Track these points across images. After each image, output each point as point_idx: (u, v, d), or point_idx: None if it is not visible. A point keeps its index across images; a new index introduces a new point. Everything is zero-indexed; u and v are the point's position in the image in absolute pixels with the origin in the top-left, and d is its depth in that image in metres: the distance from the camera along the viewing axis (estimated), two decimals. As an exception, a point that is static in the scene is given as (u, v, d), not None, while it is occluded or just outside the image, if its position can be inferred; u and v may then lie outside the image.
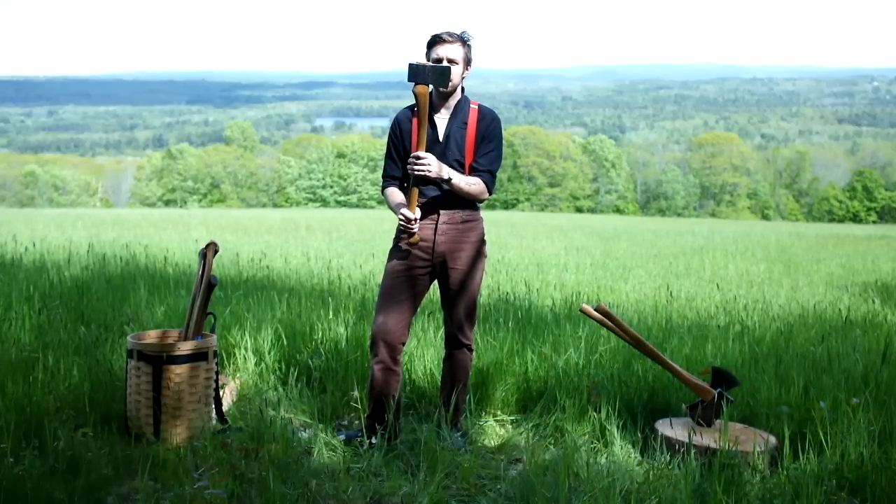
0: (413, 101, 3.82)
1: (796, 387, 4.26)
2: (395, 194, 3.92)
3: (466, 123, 3.85)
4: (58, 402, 3.86)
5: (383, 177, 4.00)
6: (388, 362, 3.83)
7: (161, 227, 24.29)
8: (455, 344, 4.04)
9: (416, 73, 3.66)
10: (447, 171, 3.72)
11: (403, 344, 3.90)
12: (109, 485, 3.26)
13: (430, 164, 3.65)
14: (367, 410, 3.92)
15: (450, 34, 3.78)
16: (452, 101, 3.86)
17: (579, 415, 4.22)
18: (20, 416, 3.57)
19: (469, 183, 3.80)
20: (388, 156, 3.97)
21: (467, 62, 3.83)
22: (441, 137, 3.84)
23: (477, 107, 3.90)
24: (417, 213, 3.75)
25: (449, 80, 3.68)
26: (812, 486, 3.04)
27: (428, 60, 3.80)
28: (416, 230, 3.77)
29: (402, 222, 3.75)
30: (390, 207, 3.92)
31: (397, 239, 3.93)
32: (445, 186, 3.78)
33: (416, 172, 3.66)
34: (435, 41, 3.78)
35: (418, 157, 3.65)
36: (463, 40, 3.80)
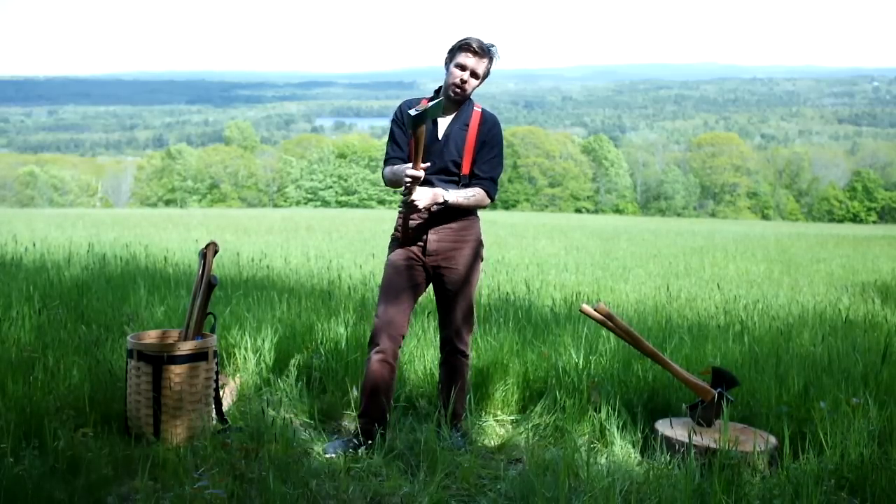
0: (412, 94, 3.81)
1: (796, 387, 4.26)
2: (397, 167, 3.82)
3: (468, 126, 3.84)
4: (58, 402, 3.85)
5: (386, 161, 3.91)
6: (388, 355, 3.79)
7: (161, 227, 24.30)
8: (451, 350, 4.00)
9: (419, 120, 3.51)
10: (441, 195, 3.71)
11: (403, 337, 3.88)
12: (109, 485, 3.26)
13: (422, 201, 3.65)
14: (360, 408, 3.85)
15: (481, 46, 3.71)
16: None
17: (579, 415, 4.22)
18: (20, 416, 3.57)
19: (467, 196, 3.79)
20: (392, 140, 3.90)
21: (485, 76, 3.82)
22: (440, 136, 3.83)
23: (480, 110, 3.90)
24: (422, 172, 3.65)
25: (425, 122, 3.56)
26: (812, 486, 3.04)
27: (450, 62, 3.76)
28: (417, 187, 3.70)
29: (407, 182, 3.63)
30: (395, 179, 3.81)
31: (396, 231, 3.93)
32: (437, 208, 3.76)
33: (416, 211, 3.70)
34: (463, 48, 3.72)
35: (410, 202, 3.66)
36: (491, 56, 3.77)
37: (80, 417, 3.83)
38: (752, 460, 3.46)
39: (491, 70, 3.83)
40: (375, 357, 3.79)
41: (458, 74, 3.73)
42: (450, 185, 3.83)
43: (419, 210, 3.71)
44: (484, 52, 3.73)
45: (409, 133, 3.60)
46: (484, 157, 3.85)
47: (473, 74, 3.74)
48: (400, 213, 3.88)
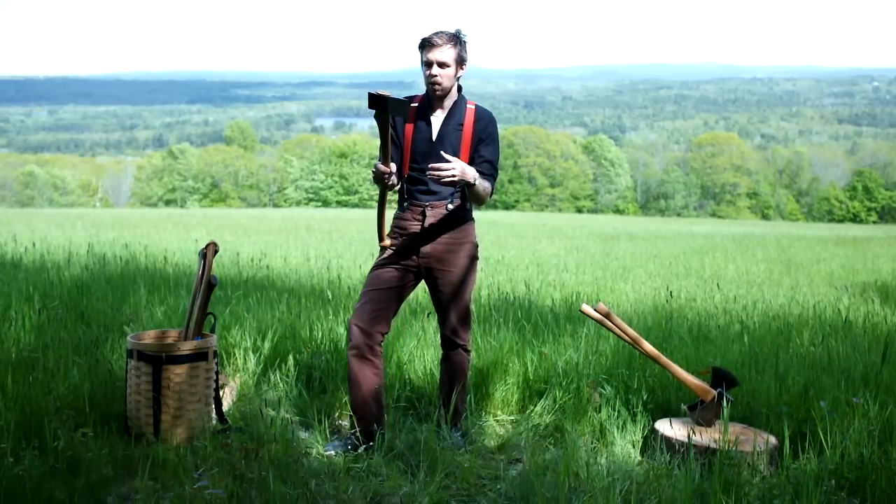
0: (411, 93, 3.81)
1: (796, 387, 4.26)
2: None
3: (463, 125, 3.81)
4: (58, 402, 3.86)
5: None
6: (364, 349, 3.76)
7: (161, 227, 24.31)
8: (451, 346, 4.01)
9: (376, 104, 3.42)
10: (472, 173, 3.62)
11: (383, 335, 3.84)
12: (109, 485, 3.26)
13: (455, 171, 3.50)
14: (351, 409, 3.84)
15: (440, 36, 3.69)
16: (449, 102, 3.82)
17: (579, 415, 4.22)
18: (20, 416, 3.57)
19: (485, 187, 3.75)
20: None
21: (460, 62, 3.75)
22: (434, 137, 3.81)
23: (474, 107, 3.87)
24: (393, 167, 3.63)
25: (408, 115, 3.48)
26: (812, 486, 3.04)
27: (420, 63, 3.76)
28: (393, 182, 3.65)
29: (377, 173, 3.61)
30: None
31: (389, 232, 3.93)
32: (454, 188, 3.73)
33: (443, 181, 3.53)
34: (423, 46, 3.72)
35: (439, 167, 3.49)
36: (455, 40, 3.72)
37: (80, 417, 3.83)
38: (752, 460, 3.46)
39: (466, 54, 3.76)
40: (351, 353, 3.78)
41: (427, 72, 3.73)
42: (447, 184, 3.81)
43: (450, 176, 3.53)
44: (444, 40, 3.69)
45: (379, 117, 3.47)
46: (484, 153, 3.82)
47: (442, 65, 3.70)
48: (393, 229, 3.90)
